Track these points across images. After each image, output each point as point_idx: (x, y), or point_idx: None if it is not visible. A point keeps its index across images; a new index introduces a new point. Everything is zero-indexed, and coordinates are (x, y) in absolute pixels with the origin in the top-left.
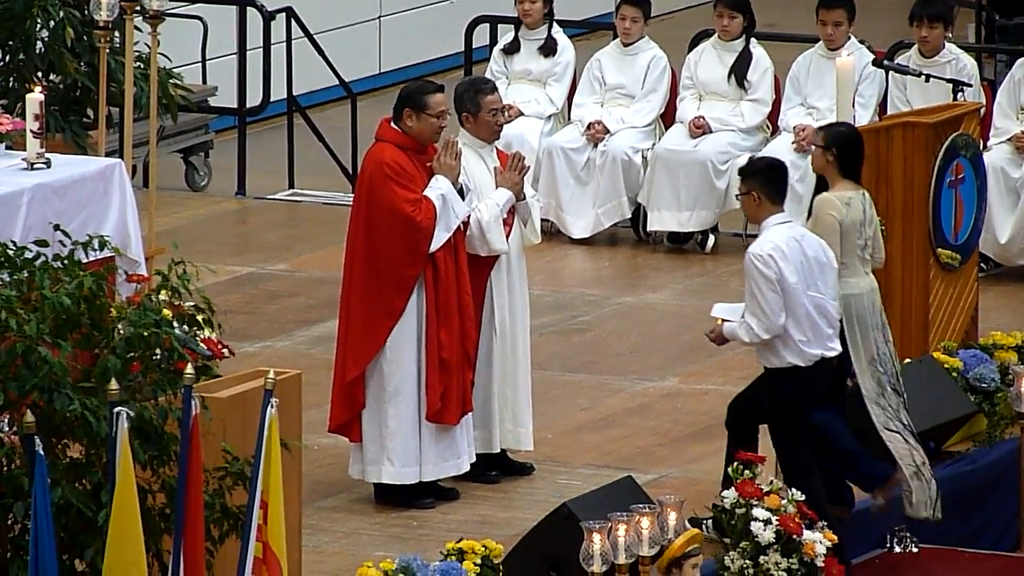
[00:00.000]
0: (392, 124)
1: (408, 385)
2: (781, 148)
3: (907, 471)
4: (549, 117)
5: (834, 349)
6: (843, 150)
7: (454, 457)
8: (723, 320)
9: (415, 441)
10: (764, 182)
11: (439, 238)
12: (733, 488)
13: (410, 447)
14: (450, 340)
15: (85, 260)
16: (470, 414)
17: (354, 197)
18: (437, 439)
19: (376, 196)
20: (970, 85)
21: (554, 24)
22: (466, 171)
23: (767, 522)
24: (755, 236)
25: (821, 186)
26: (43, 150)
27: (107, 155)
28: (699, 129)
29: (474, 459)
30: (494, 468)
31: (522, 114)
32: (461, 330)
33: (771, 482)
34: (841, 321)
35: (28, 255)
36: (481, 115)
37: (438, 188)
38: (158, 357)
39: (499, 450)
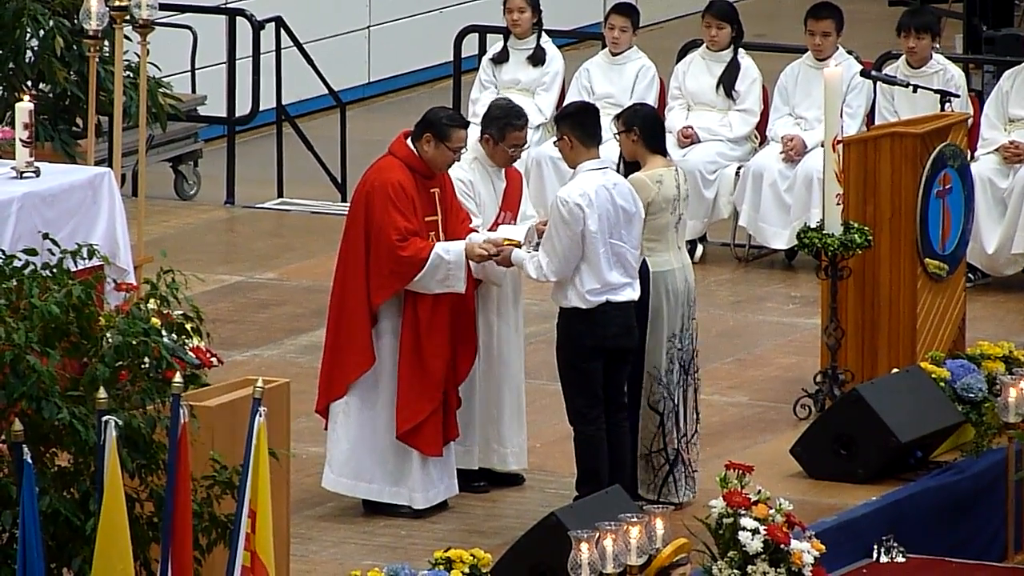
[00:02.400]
0: (408, 142)
1: (369, 398)
2: (769, 158)
3: (639, 451)
4: (538, 127)
5: (621, 295)
6: (645, 127)
7: (440, 481)
8: (508, 241)
9: (367, 455)
10: (574, 125)
11: (417, 285)
12: (721, 498)
13: (359, 460)
14: (434, 364)
15: (74, 269)
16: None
17: (351, 205)
18: (424, 463)
19: (371, 212)
20: (958, 96)
21: (543, 34)
22: (471, 185)
23: (755, 532)
24: (742, 246)
25: (628, 171)
26: (32, 159)
27: (96, 164)
28: (687, 139)
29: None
30: (483, 478)
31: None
32: (453, 361)
33: (759, 491)
34: (648, 293)
35: (17, 264)
36: (502, 145)
37: (449, 252)
38: (147, 366)
39: (477, 467)
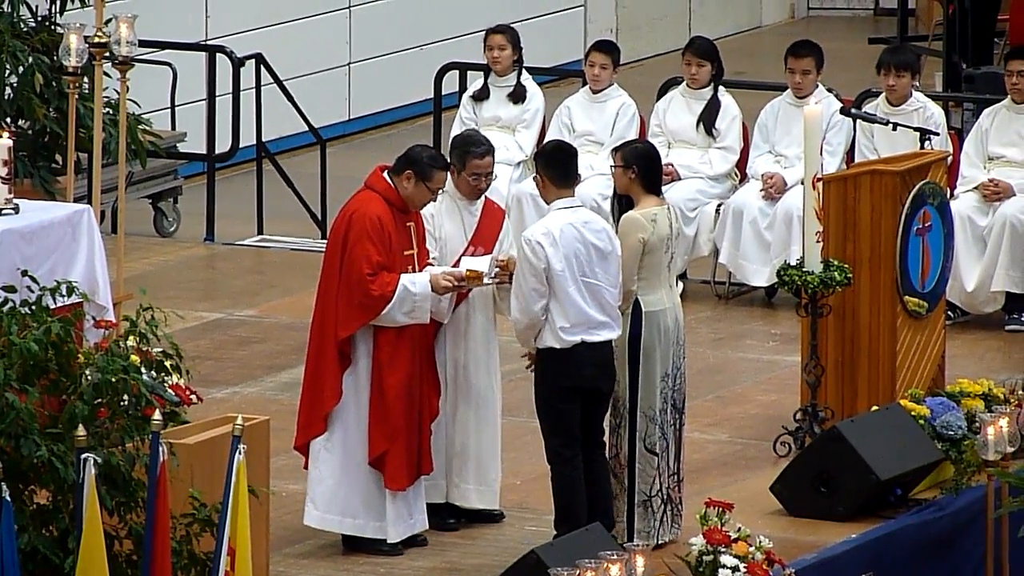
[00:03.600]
0: (386, 175)
1: (349, 433)
2: (749, 195)
3: (637, 498)
4: (518, 164)
5: (598, 335)
6: (644, 166)
7: (413, 516)
8: (470, 271)
9: (350, 491)
10: (547, 164)
11: (384, 319)
12: (701, 535)
13: (344, 497)
14: (394, 401)
15: (53, 306)
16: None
17: (330, 239)
18: (393, 497)
19: (348, 245)
20: (937, 134)
21: (523, 71)
22: (431, 219)
23: (735, 569)
24: (722, 283)
25: (626, 206)
26: (11, 196)
27: (76, 200)
28: (668, 176)
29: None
30: (451, 513)
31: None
32: (419, 393)
33: (739, 529)
34: (640, 333)
35: None
36: (464, 174)
37: (415, 285)
38: (126, 403)
39: (443, 501)
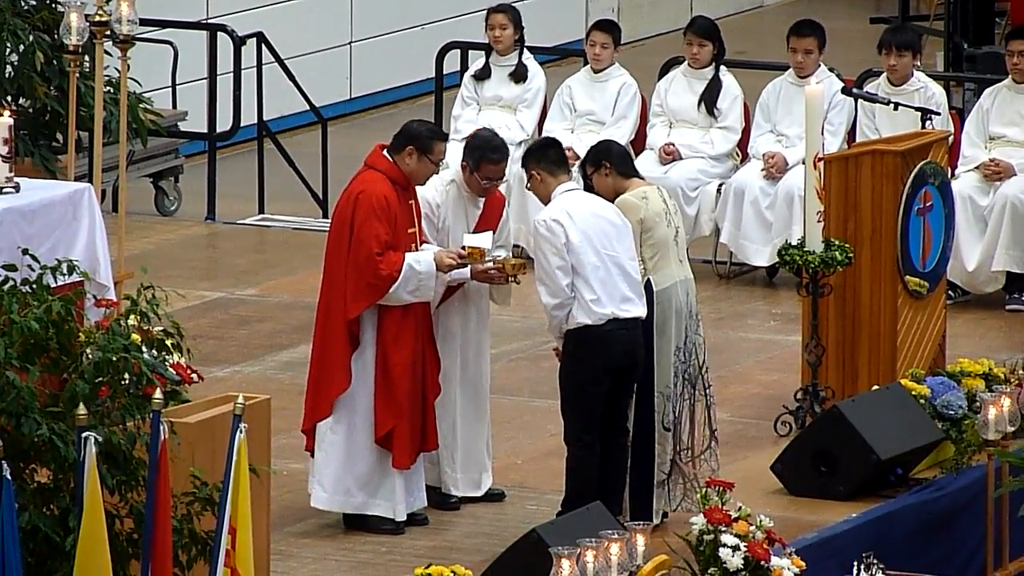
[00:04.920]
0: (386, 153)
1: (356, 413)
2: (751, 175)
3: (656, 478)
4: (520, 143)
5: (628, 311)
6: (613, 158)
7: (413, 493)
8: (471, 248)
9: (357, 471)
10: (539, 158)
11: (391, 298)
12: (702, 514)
13: (341, 476)
14: (400, 379)
15: (54, 285)
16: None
17: (335, 221)
18: (399, 475)
19: (356, 224)
20: (938, 113)
21: (525, 50)
22: (436, 208)
23: (735, 548)
24: (723, 263)
25: None
26: (12, 174)
27: (76, 179)
28: (669, 156)
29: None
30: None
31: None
32: (423, 371)
33: (739, 508)
34: (654, 313)
35: None
36: (476, 175)
37: (420, 263)
38: (127, 382)
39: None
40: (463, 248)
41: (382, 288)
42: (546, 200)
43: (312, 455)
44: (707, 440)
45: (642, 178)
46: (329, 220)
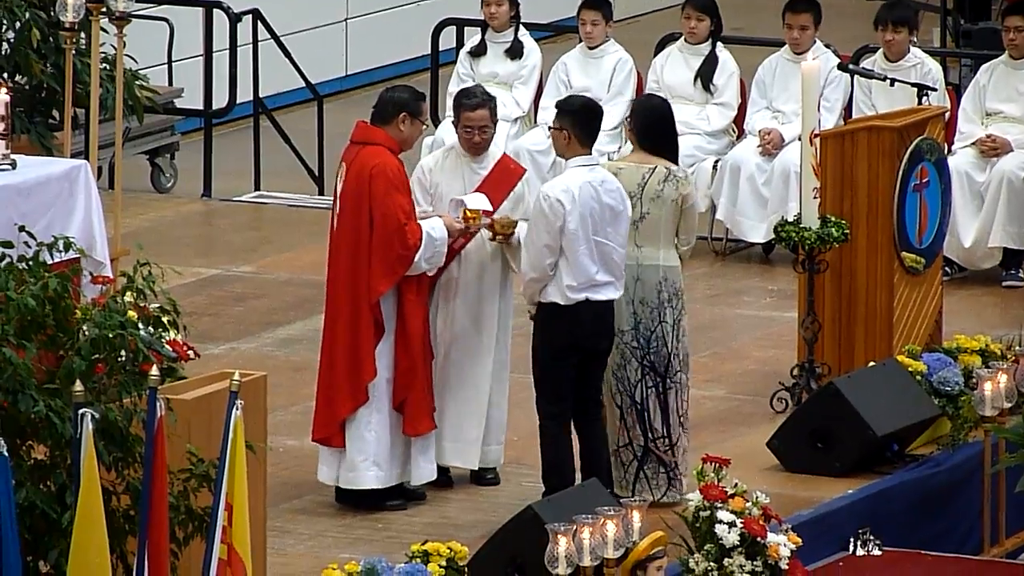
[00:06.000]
0: (375, 127)
1: (384, 390)
2: (747, 151)
3: (610, 448)
4: (516, 120)
5: (602, 293)
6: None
7: (428, 463)
8: (470, 212)
9: (392, 445)
10: (577, 122)
11: (415, 268)
12: (698, 491)
13: (391, 451)
14: (421, 343)
15: (50, 261)
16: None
17: (346, 204)
18: (416, 443)
19: (376, 199)
20: (935, 89)
21: (520, 27)
22: (429, 173)
23: (731, 525)
24: (719, 239)
25: None
26: (8, 151)
27: (73, 156)
28: None
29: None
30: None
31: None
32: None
33: (735, 485)
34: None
35: None
36: (459, 127)
37: (435, 230)
38: (123, 359)
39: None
40: (466, 211)
41: (409, 259)
42: (562, 155)
43: (340, 445)
44: (677, 428)
45: (662, 152)
46: (333, 200)
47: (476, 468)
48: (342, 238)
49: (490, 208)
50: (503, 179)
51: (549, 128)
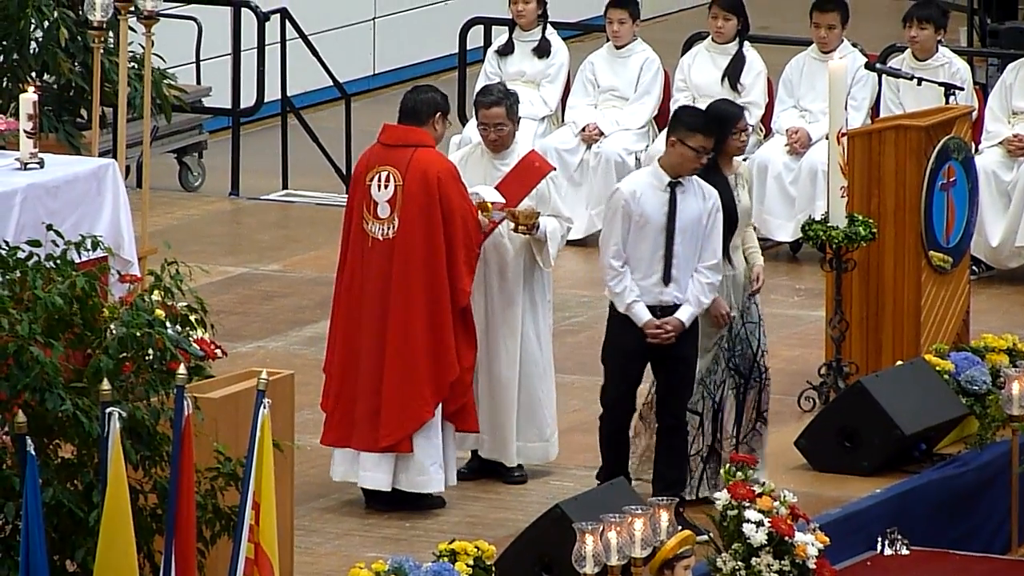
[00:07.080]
0: (415, 127)
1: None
2: (774, 150)
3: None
4: (543, 119)
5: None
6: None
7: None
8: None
9: (446, 446)
10: (696, 141)
11: None
12: (725, 490)
13: (446, 452)
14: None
15: (78, 260)
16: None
17: (409, 202)
18: (455, 439)
19: (452, 201)
20: (962, 88)
21: (548, 26)
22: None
23: (759, 524)
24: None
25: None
26: (36, 150)
27: (100, 155)
28: None
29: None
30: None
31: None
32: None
33: (763, 484)
34: None
35: (21, 255)
36: (477, 124)
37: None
38: (151, 357)
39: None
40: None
41: (478, 256)
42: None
43: (408, 450)
44: (752, 423)
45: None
46: (368, 201)
47: (512, 464)
48: (407, 242)
49: (501, 200)
50: (524, 176)
51: (669, 140)
